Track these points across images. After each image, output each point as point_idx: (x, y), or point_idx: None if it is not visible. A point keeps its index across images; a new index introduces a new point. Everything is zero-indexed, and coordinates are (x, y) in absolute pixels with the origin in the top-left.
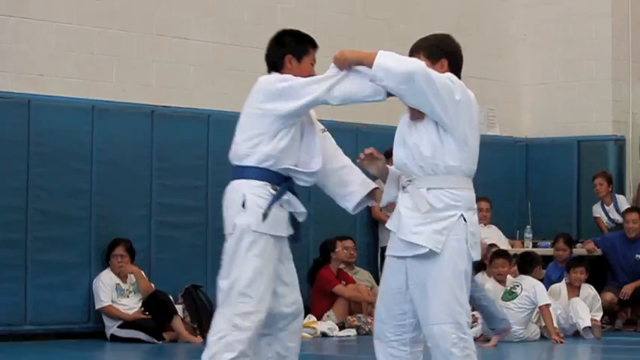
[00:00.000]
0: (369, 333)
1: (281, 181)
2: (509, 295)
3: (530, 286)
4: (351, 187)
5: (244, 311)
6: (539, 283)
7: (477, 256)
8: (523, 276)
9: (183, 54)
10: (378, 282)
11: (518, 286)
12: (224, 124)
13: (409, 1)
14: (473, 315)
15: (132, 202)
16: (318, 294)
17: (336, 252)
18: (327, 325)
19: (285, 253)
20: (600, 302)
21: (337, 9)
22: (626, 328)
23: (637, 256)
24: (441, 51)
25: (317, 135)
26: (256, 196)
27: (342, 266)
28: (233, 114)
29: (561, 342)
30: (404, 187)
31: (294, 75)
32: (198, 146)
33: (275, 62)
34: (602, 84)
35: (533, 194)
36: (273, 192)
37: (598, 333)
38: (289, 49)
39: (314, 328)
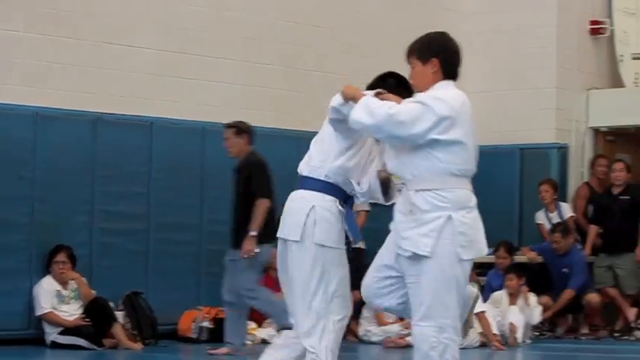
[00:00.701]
0: None
1: (346, 199)
2: None
3: None
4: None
5: (339, 317)
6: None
7: (469, 256)
8: None
9: (128, 61)
10: None
11: None
12: (167, 132)
13: (354, 10)
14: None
15: (74, 208)
16: None
17: (270, 261)
18: (267, 331)
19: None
20: (539, 309)
21: (282, 17)
22: (567, 336)
23: (563, 270)
24: (430, 51)
25: (372, 158)
26: (326, 210)
27: None
28: (176, 121)
29: (501, 349)
30: (399, 190)
31: None
32: (142, 153)
33: None
34: (547, 92)
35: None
36: (341, 208)
37: (512, 339)
38: (385, 87)
39: (254, 334)
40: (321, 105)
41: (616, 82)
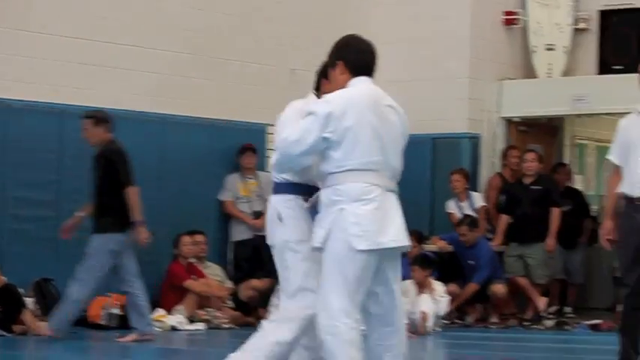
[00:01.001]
0: (219, 327)
1: (313, 192)
2: None
3: None
4: None
5: (301, 305)
6: None
7: (364, 246)
8: None
9: (39, 48)
10: (229, 276)
11: None
12: (78, 119)
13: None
14: None
15: None
16: (168, 288)
17: (179, 248)
18: (177, 318)
19: None
20: (447, 299)
21: (193, 5)
22: (476, 325)
23: (470, 262)
24: (334, 55)
25: None
26: (289, 209)
27: (193, 260)
28: (87, 108)
29: (412, 337)
30: None
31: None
32: (52, 141)
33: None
34: (459, 82)
35: None
36: (304, 203)
37: (422, 328)
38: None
39: (163, 322)
40: (235, 93)
41: (529, 72)
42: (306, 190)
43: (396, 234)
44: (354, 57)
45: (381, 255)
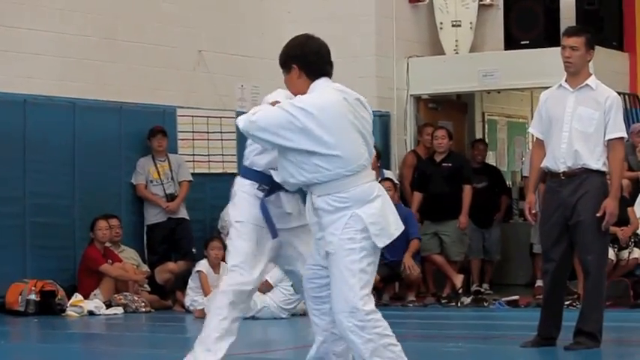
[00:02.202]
0: (136, 311)
1: (270, 182)
2: None
3: None
4: None
5: (237, 282)
6: None
7: (383, 243)
8: None
9: None
10: (144, 260)
11: None
12: None
13: None
14: None
15: None
16: (84, 273)
17: (95, 232)
18: (94, 303)
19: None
20: None
21: None
22: (393, 303)
23: None
24: (288, 59)
25: None
26: (244, 192)
27: (108, 245)
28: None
29: None
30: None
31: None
32: None
33: None
34: (366, 60)
35: None
36: (260, 190)
37: None
38: None
39: (81, 307)
40: (143, 76)
41: (436, 49)
42: (267, 180)
43: (396, 223)
44: (309, 60)
45: None
